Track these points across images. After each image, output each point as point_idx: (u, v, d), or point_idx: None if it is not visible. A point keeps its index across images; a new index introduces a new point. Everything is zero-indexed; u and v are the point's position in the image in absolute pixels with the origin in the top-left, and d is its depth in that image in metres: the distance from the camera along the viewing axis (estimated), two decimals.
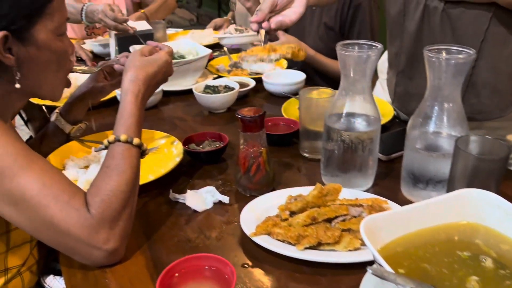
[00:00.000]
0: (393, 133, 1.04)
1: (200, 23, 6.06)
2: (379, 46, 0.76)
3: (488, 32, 0.89)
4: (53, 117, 0.98)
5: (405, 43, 1.03)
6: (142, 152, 0.74)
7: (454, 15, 0.90)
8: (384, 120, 1.09)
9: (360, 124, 0.81)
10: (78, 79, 1.26)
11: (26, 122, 1.38)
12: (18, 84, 0.69)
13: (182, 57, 1.42)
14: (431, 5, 0.92)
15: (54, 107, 1.23)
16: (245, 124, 0.80)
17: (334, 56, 0.90)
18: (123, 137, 0.71)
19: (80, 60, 1.52)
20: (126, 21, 1.53)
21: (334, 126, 0.81)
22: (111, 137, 0.72)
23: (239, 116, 0.79)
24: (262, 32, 0.94)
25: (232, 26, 1.72)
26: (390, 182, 0.89)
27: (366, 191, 0.84)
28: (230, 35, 1.63)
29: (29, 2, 0.67)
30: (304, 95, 0.96)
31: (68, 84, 0.82)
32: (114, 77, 0.98)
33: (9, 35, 0.66)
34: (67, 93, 1.25)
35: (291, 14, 0.94)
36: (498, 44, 0.91)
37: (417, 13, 0.96)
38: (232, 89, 1.26)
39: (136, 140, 0.72)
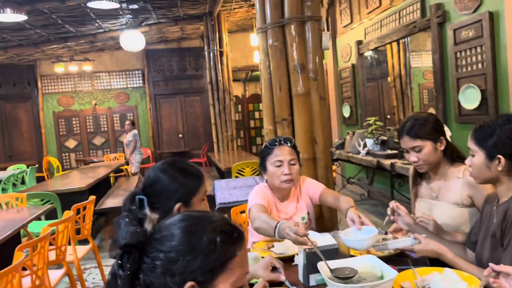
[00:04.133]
0: None
1: (371, 198, 6.18)
2: None
3: None
4: None
5: None
6: None
7: None
8: None
9: None
10: None
11: None
12: None
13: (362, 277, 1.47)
14: None
15: None
16: None
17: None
18: None
19: (274, 269, 1.60)
20: (305, 235, 1.67)
21: None
22: None
23: None
24: None
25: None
26: None
27: None
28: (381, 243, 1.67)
29: (216, 257, 0.79)
30: None
31: None
32: None
33: (195, 286, 0.78)
34: None
35: None
36: None
37: None
38: None
39: None
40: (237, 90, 11.05)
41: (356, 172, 6.43)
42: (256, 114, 10.58)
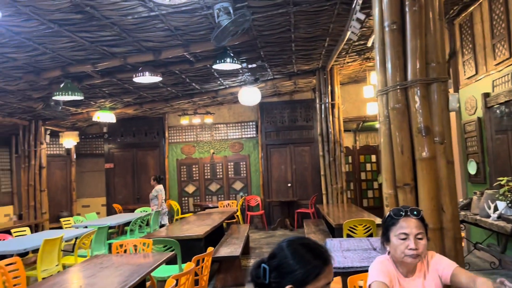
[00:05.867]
0: None
1: (503, 267, 5.42)
2: None
3: None
4: None
5: None
6: None
7: None
8: None
9: None
10: None
11: None
12: None
13: None
14: None
15: None
16: None
17: None
18: None
19: None
20: None
21: None
22: None
23: None
24: None
25: None
26: None
27: None
28: None
29: None
30: None
31: None
32: None
33: None
34: None
35: None
36: None
37: None
38: None
39: None
40: (348, 140, 10.89)
41: (485, 237, 5.73)
42: (368, 166, 10.25)
